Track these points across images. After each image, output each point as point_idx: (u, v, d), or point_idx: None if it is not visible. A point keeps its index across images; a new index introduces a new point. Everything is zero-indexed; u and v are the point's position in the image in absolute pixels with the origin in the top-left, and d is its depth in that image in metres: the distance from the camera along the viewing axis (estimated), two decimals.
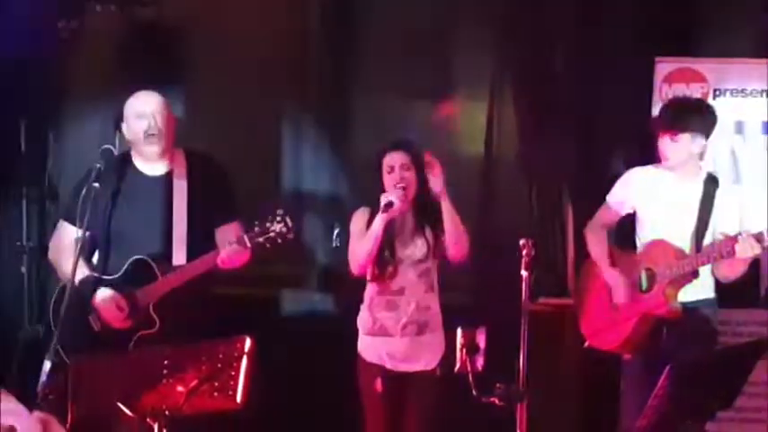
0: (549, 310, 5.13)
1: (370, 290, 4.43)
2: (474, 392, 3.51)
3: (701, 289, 4.41)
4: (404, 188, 4.30)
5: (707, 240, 4.38)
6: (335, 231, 4.68)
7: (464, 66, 5.58)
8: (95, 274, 4.18)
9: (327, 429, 5.11)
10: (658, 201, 4.47)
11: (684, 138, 4.34)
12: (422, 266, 4.38)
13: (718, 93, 5.27)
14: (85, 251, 4.17)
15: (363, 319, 4.42)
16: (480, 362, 3.61)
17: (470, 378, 3.56)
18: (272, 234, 4.01)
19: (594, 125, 5.36)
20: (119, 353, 3.71)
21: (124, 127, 4.21)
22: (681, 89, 5.27)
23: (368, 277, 4.40)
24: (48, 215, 4.92)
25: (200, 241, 4.16)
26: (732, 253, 4.15)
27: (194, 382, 3.37)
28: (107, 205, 4.09)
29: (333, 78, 5.54)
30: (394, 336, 4.34)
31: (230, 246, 4.03)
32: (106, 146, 4.10)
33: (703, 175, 4.45)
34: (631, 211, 4.56)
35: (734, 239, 4.15)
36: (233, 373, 3.42)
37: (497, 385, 3.53)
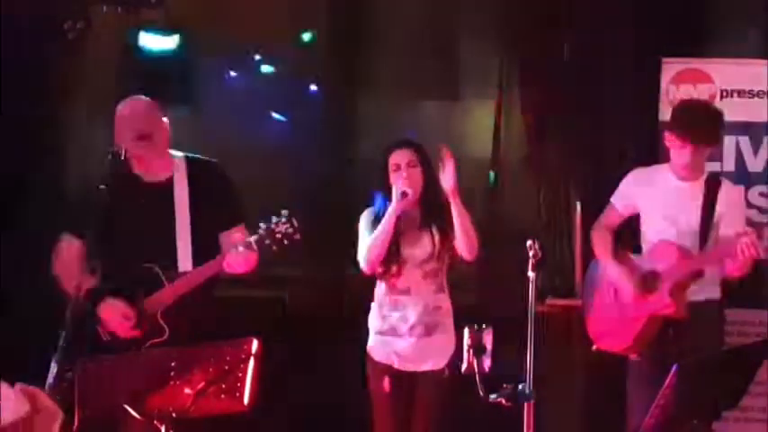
0: (556, 310, 5.13)
1: (379, 289, 4.43)
2: (481, 393, 3.51)
3: (706, 289, 4.41)
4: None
5: (711, 240, 4.39)
6: None
7: (471, 66, 5.59)
8: (101, 284, 4.13)
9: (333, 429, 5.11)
10: (661, 200, 4.48)
11: (698, 147, 4.36)
12: (428, 266, 4.37)
13: (725, 93, 5.26)
14: (92, 261, 4.15)
15: (373, 318, 4.42)
16: (487, 362, 3.61)
17: (477, 378, 3.56)
18: (278, 235, 3.98)
19: (602, 126, 5.36)
20: (125, 355, 3.71)
21: (116, 135, 4.14)
22: (688, 90, 5.26)
23: (376, 275, 4.40)
24: None
25: (206, 247, 4.12)
26: (736, 252, 4.16)
27: (201, 384, 3.38)
28: (110, 214, 4.00)
29: (338, 79, 5.54)
30: (402, 336, 4.33)
31: (236, 249, 4.00)
32: (114, 147, 4.07)
33: (705, 175, 4.47)
34: (636, 212, 4.57)
35: (738, 238, 4.16)
36: (240, 375, 3.42)
37: (504, 385, 3.53)
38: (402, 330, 4.34)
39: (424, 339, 4.33)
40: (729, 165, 5.20)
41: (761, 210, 5.16)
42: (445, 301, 4.40)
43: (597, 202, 4.77)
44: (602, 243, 4.59)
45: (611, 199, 4.62)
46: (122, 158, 4.06)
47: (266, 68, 5.46)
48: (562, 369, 5.00)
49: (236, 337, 3.47)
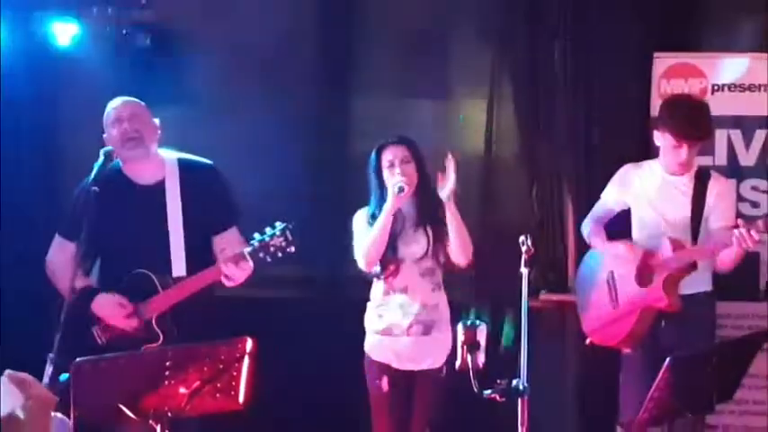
0: (549, 306, 5.14)
1: (376, 288, 4.44)
2: (475, 389, 3.52)
3: (699, 281, 4.44)
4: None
5: (702, 233, 4.41)
6: None
7: (462, 64, 5.59)
8: (95, 286, 4.14)
9: (332, 429, 5.11)
10: (652, 196, 4.50)
11: (693, 145, 4.38)
12: (424, 265, 4.38)
13: (716, 88, 5.27)
14: (85, 265, 4.15)
15: (370, 318, 4.44)
16: (481, 358, 3.62)
17: (471, 374, 3.57)
18: (272, 248, 3.96)
19: (593, 121, 5.37)
20: (120, 355, 3.71)
21: (105, 137, 4.16)
22: (679, 84, 5.26)
23: (373, 275, 4.41)
24: None
25: (199, 249, 4.12)
26: (729, 244, 4.18)
27: (196, 384, 3.39)
28: (102, 217, 3.99)
29: (332, 78, 5.55)
30: (400, 335, 4.35)
31: (233, 263, 3.97)
32: (108, 147, 4.07)
33: (695, 169, 4.49)
34: (626, 208, 4.59)
35: (730, 231, 4.18)
36: (235, 374, 3.44)
37: (498, 381, 3.54)
38: (400, 329, 4.36)
39: (422, 338, 4.35)
40: (721, 159, 5.22)
41: (753, 203, 5.17)
42: (442, 299, 4.42)
43: (589, 198, 4.78)
44: (595, 233, 4.61)
45: (602, 195, 4.65)
46: (113, 161, 4.07)
47: (257, 66, 5.45)
48: (556, 364, 5.01)
49: (230, 338, 3.48)
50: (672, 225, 4.45)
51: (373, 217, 4.38)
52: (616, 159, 4.79)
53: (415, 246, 4.39)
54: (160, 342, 4.02)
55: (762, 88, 5.22)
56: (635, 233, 4.57)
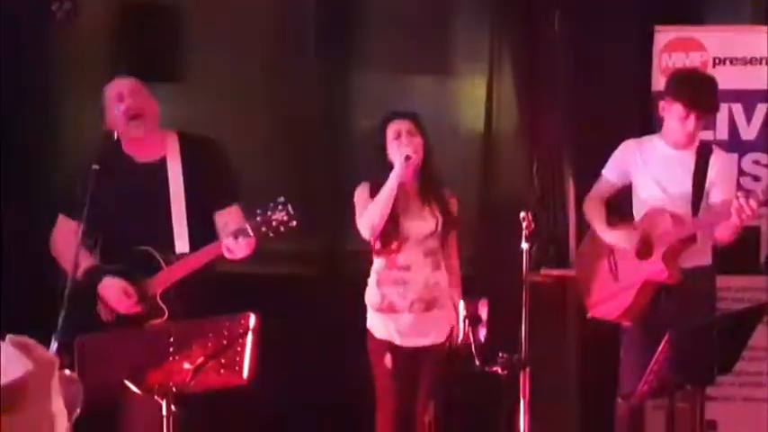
0: (550, 281, 5.16)
1: (378, 265, 4.44)
2: (477, 362, 3.55)
3: (698, 255, 4.45)
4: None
5: (703, 206, 4.42)
6: None
7: (462, 38, 5.57)
8: (99, 264, 4.15)
9: (333, 404, 5.14)
10: (653, 170, 4.51)
11: (701, 116, 4.38)
12: (428, 244, 4.39)
13: (717, 61, 5.25)
14: (89, 242, 4.17)
15: (371, 295, 4.44)
16: (483, 333, 3.64)
17: (473, 349, 3.60)
18: (274, 223, 3.97)
19: (594, 96, 5.36)
20: (124, 331, 3.74)
21: (106, 116, 4.15)
22: (680, 58, 5.25)
23: (375, 252, 4.42)
24: None
25: (201, 226, 4.13)
26: (728, 216, 4.19)
27: (201, 359, 3.42)
28: (104, 195, 4.02)
29: (330, 53, 5.53)
30: (402, 312, 4.36)
31: (234, 237, 3.97)
32: (107, 127, 4.08)
33: (697, 143, 4.50)
34: (628, 183, 4.60)
35: (730, 203, 4.19)
36: (239, 350, 3.46)
37: (500, 355, 3.57)
38: (402, 307, 4.36)
39: (424, 315, 4.37)
40: (722, 133, 5.20)
41: (754, 177, 5.17)
42: (443, 277, 4.42)
43: (590, 172, 4.79)
44: (595, 213, 4.62)
45: (603, 171, 4.65)
46: (115, 139, 4.08)
47: (254, 42, 5.44)
48: (557, 338, 5.03)
49: (234, 313, 3.50)
50: (673, 199, 4.46)
51: (376, 190, 4.38)
52: (617, 134, 4.78)
53: (421, 222, 4.39)
54: (165, 318, 4.04)
55: (763, 61, 5.19)
56: (636, 208, 4.58)
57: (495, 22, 5.47)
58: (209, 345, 3.43)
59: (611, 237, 4.53)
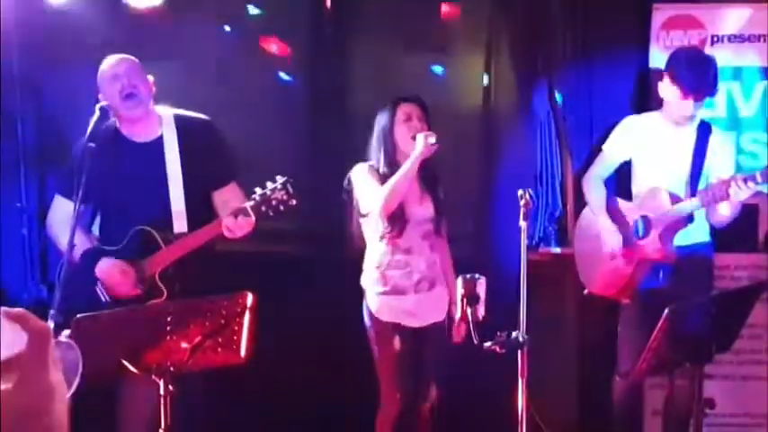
0: (549, 259, 5.16)
1: (379, 249, 4.44)
2: (475, 341, 3.55)
3: (696, 233, 4.46)
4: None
5: (701, 185, 4.43)
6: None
7: (460, 15, 5.55)
8: (97, 245, 4.15)
9: (331, 384, 5.14)
10: (653, 148, 4.51)
11: (697, 99, 4.37)
12: (425, 227, 4.43)
13: (715, 39, 5.23)
14: (85, 223, 4.16)
15: (374, 280, 4.43)
16: (481, 311, 3.64)
17: (471, 327, 3.59)
18: (273, 202, 3.97)
19: (592, 74, 5.34)
20: (121, 310, 3.72)
21: (101, 96, 4.13)
22: (678, 35, 5.23)
23: (375, 235, 4.42)
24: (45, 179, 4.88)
25: (199, 206, 4.12)
26: (726, 196, 4.19)
27: (198, 338, 3.41)
28: (101, 175, 4.00)
29: (330, 33, 5.51)
30: (407, 293, 4.39)
31: (233, 217, 3.97)
32: (103, 103, 4.05)
33: (697, 122, 4.49)
34: (627, 159, 4.59)
35: (727, 183, 4.19)
36: (236, 328, 3.46)
37: (498, 333, 3.57)
38: (406, 287, 4.39)
39: (428, 294, 4.41)
40: (721, 111, 5.20)
41: (752, 155, 5.17)
42: (438, 258, 4.48)
43: (589, 150, 4.78)
44: (593, 192, 4.62)
45: (603, 147, 4.64)
46: (110, 117, 4.06)
47: (251, 20, 5.41)
48: (556, 316, 5.03)
49: (231, 292, 3.50)
50: (671, 177, 4.46)
51: (380, 172, 4.38)
52: (616, 111, 4.78)
53: (420, 208, 4.43)
54: (163, 298, 4.03)
55: (761, 39, 5.18)
56: (635, 185, 4.59)
57: (492, 2, 5.45)
58: (207, 324, 3.42)
59: (604, 222, 4.53)
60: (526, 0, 5.40)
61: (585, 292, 4.64)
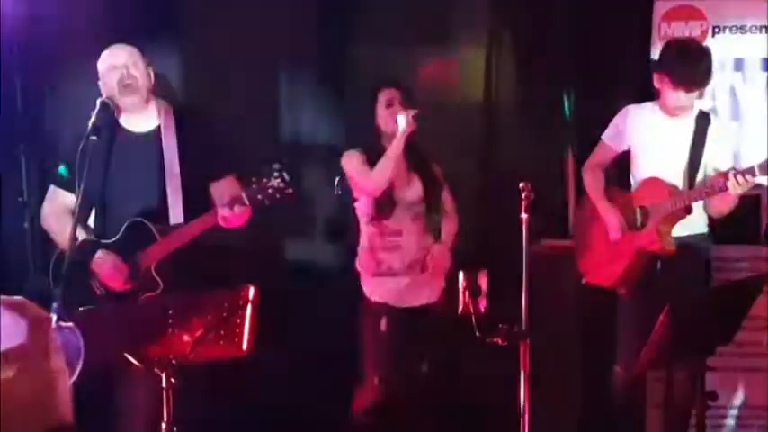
0: (550, 251, 5.15)
1: (369, 232, 4.51)
2: (477, 333, 3.55)
3: (694, 225, 4.46)
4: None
5: (699, 177, 4.43)
6: (337, 179, 4.70)
7: (462, 6, 5.54)
8: (93, 238, 4.12)
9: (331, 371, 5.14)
10: (651, 138, 4.51)
11: (688, 91, 4.36)
12: (415, 209, 4.50)
13: (717, 30, 5.23)
14: (82, 215, 4.13)
15: (366, 262, 4.51)
16: (483, 303, 3.64)
17: (473, 319, 3.59)
18: (270, 190, 3.96)
19: (594, 65, 5.34)
20: (123, 304, 3.72)
21: (101, 85, 4.12)
22: (680, 26, 5.22)
23: (365, 219, 4.50)
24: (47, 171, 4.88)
25: (196, 198, 4.09)
26: (724, 188, 4.19)
27: (200, 331, 3.41)
28: (98, 165, 3.99)
29: (331, 25, 5.50)
30: (399, 274, 4.47)
31: (229, 206, 3.96)
32: (104, 98, 4.05)
33: (695, 112, 4.48)
34: (626, 149, 4.59)
35: (725, 175, 4.19)
36: (238, 321, 3.46)
37: (500, 326, 3.57)
38: (398, 269, 4.47)
39: (420, 275, 4.49)
40: (723, 101, 5.19)
41: (754, 146, 5.15)
42: (430, 240, 4.54)
43: (590, 142, 4.78)
44: (593, 181, 4.63)
45: (602, 137, 4.65)
46: (111, 109, 4.05)
47: (254, 11, 5.41)
48: (557, 309, 5.03)
49: (234, 286, 3.50)
50: (670, 167, 4.46)
51: (368, 158, 4.44)
52: (617, 103, 4.77)
53: (408, 190, 4.50)
54: (159, 290, 4.03)
55: (762, 30, 5.18)
56: (633, 175, 4.59)
57: None
58: (209, 317, 3.43)
59: (603, 210, 4.53)
60: None
61: (583, 281, 4.65)
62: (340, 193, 4.67)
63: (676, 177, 4.44)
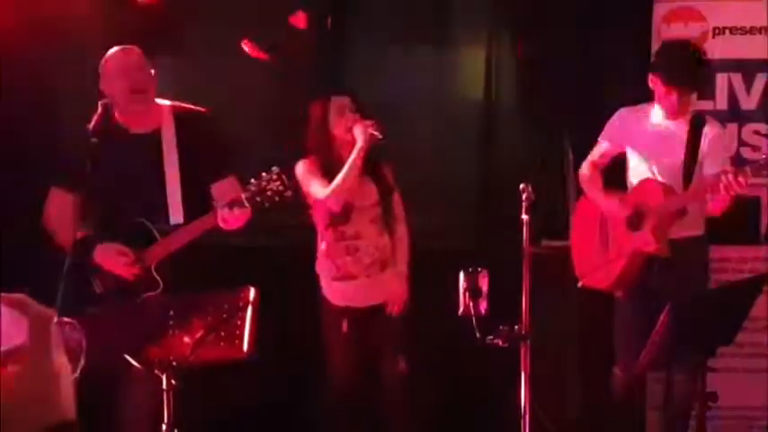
0: (551, 252, 5.16)
1: (327, 238, 4.58)
2: (477, 335, 3.55)
3: (690, 225, 4.45)
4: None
5: (695, 178, 4.42)
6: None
7: (461, 9, 5.54)
8: (92, 235, 4.12)
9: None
10: (646, 139, 4.51)
11: (684, 92, 4.36)
12: (371, 213, 4.57)
13: (717, 31, 5.22)
14: (83, 215, 4.14)
15: (326, 266, 4.59)
16: (483, 305, 3.64)
17: (474, 321, 3.59)
18: (269, 192, 3.97)
19: (594, 66, 5.33)
20: (124, 306, 3.73)
21: (104, 87, 4.12)
22: (680, 28, 5.22)
23: (322, 225, 4.57)
24: None
25: (197, 199, 4.12)
26: (719, 190, 4.18)
27: (200, 333, 3.42)
28: (98, 166, 3.96)
29: (331, 25, 5.50)
30: (359, 276, 4.55)
31: (229, 208, 3.96)
32: (104, 100, 4.05)
33: (691, 114, 4.48)
34: (622, 151, 4.60)
35: (719, 176, 4.18)
36: (238, 323, 3.46)
37: (500, 327, 3.57)
38: (358, 271, 4.54)
39: (379, 276, 4.56)
40: (722, 103, 5.19)
41: (754, 147, 5.16)
42: (388, 241, 4.61)
43: (590, 144, 4.77)
44: (590, 180, 4.63)
45: (599, 138, 4.67)
46: (111, 111, 4.05)
47: (249, 11, 5.41)
48: (557, 309, 5.03)
49: (233, 287, 3.50)
50: (665, 169, 4.46)
51: (322, 165, 4.51)
52: (617, 104, 4.77)
53: (364, 194, 4.56)
54: (160, 290, 4.03)
55: (763, 31, 5.17)
56: (629, 177, 4.59)
57: None
58: (209, 318, 3.43)
59: (605, 204, 4.53)
60: None
61: (579, 284, 4.65)
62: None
63: (672, 179, 4.43)
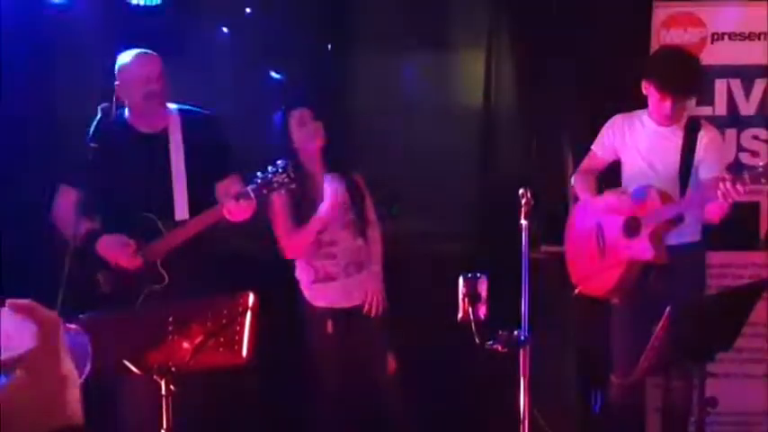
0: (550, 257, 5.15)
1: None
2: (477, 340, 3.54)
3: (687, 232, 4.44)
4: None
5: (691, 184, 4.41)
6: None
7: (461, 13, 5.54)
8: (98, 228, 4.19)
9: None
10: (641, 146, 4.50)
11: (678, 100, 4.35)
12: (345, 218, 4.61)
13: (716, 36, 5.23)
14: (89, 211, 4.18)
15: (305, 272, 4.64)
16: (483, 310, 3.63)
17: (473, 326, 3.59)
18: (275, 185, 4.03)
19: (593, 71, 5.33)
20: (124, 311, 3.73)
21: (120, 89, 4.18)
22: (679, 33, 5.22)
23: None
24: None
25: (202, 196, 4.19)
26: (716, 196, 4.17)
27: (200, 338, 3.41)
28: (106, 164, 4.07)
29: (329, 30, 5.51)
30: (338, 278, 4.61)
31: (235, 200, 4.03)
32: (104, 104, 4.08)
33: (685, 120, 4.48)
34: (616, 158, 4.59)
35: (716, 183, 4.17)
36: (238, 329, 3.46)
37: (500, 332, 3.57)
38: (335, 272, 4.60)
39: (357, 276, 4.62)
40: (721, 108, 5.19)
41: (753, 153, 5.16)
42: (363, 242, 4.67)
43: (589, 148, 4.77)
44: (584, 185, 4.63)
45: (592, 146, 4.66)
46: (111, 116, 4.09)
47: (249, 18, 5.42)
48: (557, 315, 5.03)
49: (236, 287, 3.51)
50: (661, 176, 4.45)
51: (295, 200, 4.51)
52: (615, 110, 4.77)
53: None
54: (165, 284, 4.07)
55: (762, 36, 5.17)
56: (624, 184, 4.58)
57: None
58: (209, 324, 3.42)
59: (604, 201, 4.51)
60: None
61: (576, 291, 4.64)
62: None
63: (668, 185, 4.42)
